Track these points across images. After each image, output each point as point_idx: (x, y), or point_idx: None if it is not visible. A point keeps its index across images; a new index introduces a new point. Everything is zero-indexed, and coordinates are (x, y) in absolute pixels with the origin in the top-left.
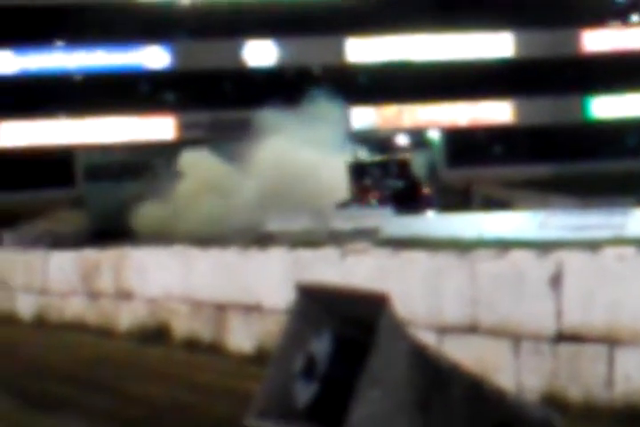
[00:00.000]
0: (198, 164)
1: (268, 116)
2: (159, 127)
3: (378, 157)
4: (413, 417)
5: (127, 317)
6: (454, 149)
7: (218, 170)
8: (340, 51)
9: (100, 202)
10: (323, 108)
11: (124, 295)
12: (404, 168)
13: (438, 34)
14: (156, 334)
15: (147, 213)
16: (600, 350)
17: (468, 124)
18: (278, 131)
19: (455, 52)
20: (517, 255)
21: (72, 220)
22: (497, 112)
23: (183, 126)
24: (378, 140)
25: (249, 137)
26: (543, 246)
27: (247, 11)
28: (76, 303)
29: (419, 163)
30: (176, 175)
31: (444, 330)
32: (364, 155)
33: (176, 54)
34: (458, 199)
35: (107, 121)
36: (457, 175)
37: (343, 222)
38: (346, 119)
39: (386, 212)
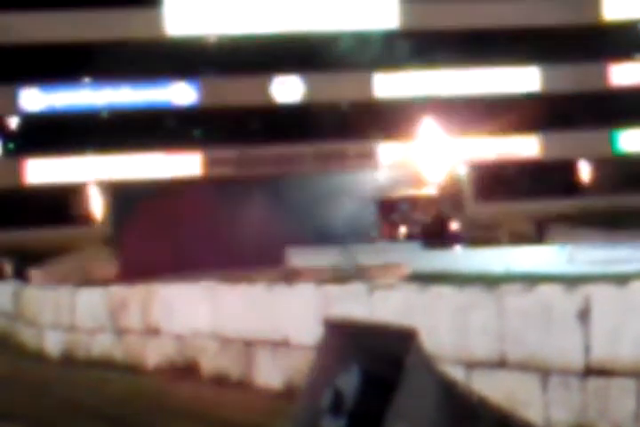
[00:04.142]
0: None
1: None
2: (186, 164)
3: (405, 193)
4: None
5: (155, 353)
6: (482, 183)
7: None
8: (367, 86)
9: (128, 238)
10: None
11: (152, 332)
12: (431, 204)
13: (465, 68)
14: (184, 371)
15: None
16: (628, 385)
17: (495, 158)
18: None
19: (482, 87)
20: (545, 290)
21: (101, 257)
22: (524, 147)
23: (210, 163)
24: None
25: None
26: (571, 281)
27: (274, 47)
28: (103, 340)
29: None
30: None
31: (472, 365)
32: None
33: (203, 91)
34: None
35: (134, 158)
36: (485, 210)
37: (371, 258)
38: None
39: (414, 247)
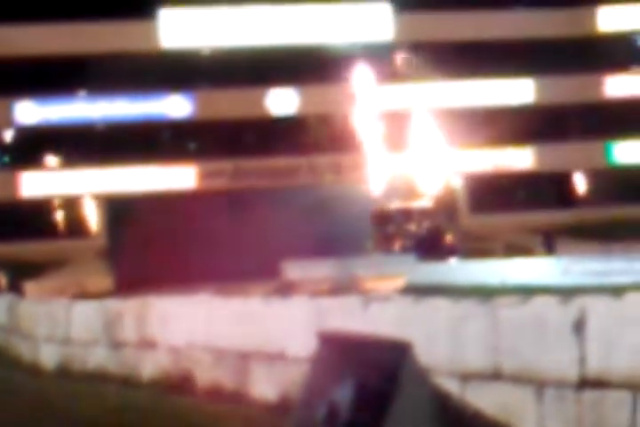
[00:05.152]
0: None
1: None
2: (181, 176)
3: (401, 205)
4: None
5: (150, 366)
6: (476, 195)
7: None
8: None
9: (123, 251)
10: None
11: (148, 345)
12: (426, 216)
13: (459, 80)
14: (179, 383)
15: None
16: (624, 396)
17: (489, 170)
18: None
19: (476, 99)
20: (540, 301)
21: (96, 270)
22: (518, 158)
23: (205, 175)
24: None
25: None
26: (566, 292)
27: (268, 59)
28: (99, 353)
29: None
30: None
31: (466, 377)
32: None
33: (197, 103)
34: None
35: (129, 170)
36: (479, 222)
37: (366, 270)
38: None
39: (409, 259)
